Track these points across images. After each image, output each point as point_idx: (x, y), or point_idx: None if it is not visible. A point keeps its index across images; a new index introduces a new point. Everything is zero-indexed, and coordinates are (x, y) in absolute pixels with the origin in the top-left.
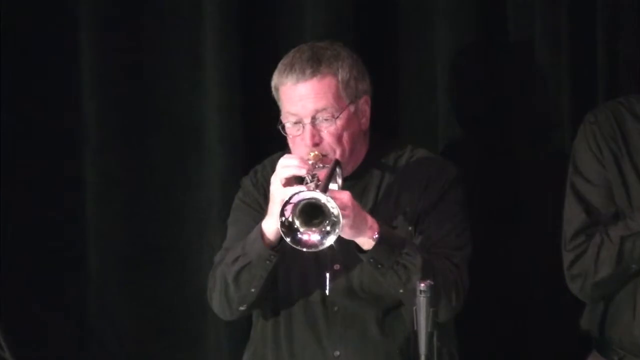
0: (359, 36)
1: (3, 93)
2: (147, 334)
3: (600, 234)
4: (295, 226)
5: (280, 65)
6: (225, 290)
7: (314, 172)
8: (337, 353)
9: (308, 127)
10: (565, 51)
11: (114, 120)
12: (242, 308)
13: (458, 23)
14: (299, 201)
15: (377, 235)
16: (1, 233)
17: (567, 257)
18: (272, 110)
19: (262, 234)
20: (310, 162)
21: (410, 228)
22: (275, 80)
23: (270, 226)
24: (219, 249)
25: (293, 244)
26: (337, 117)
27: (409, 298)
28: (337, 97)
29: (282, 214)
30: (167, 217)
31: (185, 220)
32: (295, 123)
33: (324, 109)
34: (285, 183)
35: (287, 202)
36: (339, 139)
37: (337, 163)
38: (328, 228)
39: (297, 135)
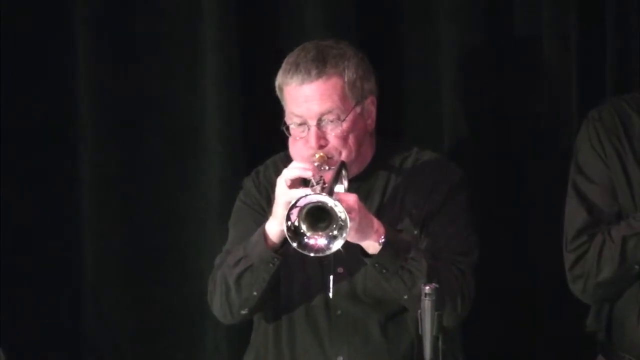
0: (360, 36)
1: (3, 93)
2: (145, 335)
3: (602, 233)
4: (302, 230)
5: (284, 65)
6: (227, 294)
7: (319, 174)
8: (340, 358)
9: (313, 130)
10: (572, 50)
11: (113, 120)
12: (243, 312)
13: (464, 22)
14: (305, 205)
15: (383, 239)
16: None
17: (568, 258)
18: (272, 110)
19: (264, 236)
20: (315, 164)
21: (416, 232)
22: (279, 79)
23: (274, 228)
24: (219, 250)
25: (300, 249)
26: (343, 120)
27: (414, 304)
28: (343, 98)
29: (288, 218)
30: (166, 218)
31: (184, 221)
32: (300, 124)
33: (329, 111)
34: (291, 185)
35: (293, 206)
36: (344, 140)
37: (343, 165)
38: (335, 232)
39: (302, 137)
